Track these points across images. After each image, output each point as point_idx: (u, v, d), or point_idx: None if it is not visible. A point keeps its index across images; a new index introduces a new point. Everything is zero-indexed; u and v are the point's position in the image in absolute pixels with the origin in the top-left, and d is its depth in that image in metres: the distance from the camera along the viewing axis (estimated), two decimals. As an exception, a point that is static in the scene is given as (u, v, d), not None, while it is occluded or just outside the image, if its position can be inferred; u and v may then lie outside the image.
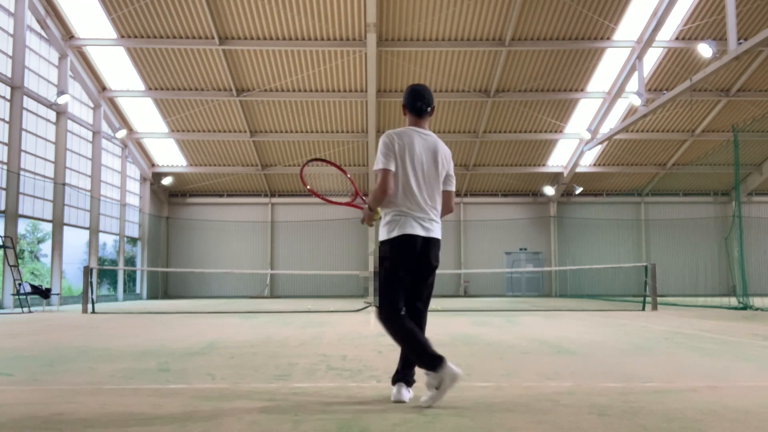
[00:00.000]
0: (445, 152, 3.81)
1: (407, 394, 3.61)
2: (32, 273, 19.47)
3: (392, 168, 3.62)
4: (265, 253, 28.49)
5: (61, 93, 19.77)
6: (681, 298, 24.02)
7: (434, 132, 23.84)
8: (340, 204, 3.98)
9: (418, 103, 3.82)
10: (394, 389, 3.63)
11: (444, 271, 27.27)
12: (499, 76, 21.88)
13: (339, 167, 4.27)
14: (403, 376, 3.65)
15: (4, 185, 17.13)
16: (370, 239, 28.01)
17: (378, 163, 3.66)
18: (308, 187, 4.41)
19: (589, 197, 28.96)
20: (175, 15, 19.14)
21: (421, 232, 3.61)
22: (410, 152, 3.67)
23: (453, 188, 3.87)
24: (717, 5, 19.09)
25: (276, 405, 3.57)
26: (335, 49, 20.43)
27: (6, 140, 17.40)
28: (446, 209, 3.86)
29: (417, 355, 3.44)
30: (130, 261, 26.25)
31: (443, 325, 9.98)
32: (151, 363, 5.45)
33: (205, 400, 3.73)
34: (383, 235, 3.66)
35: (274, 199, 28.85)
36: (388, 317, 3.54)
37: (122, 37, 20.02)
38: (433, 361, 3.35)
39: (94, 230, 22.48)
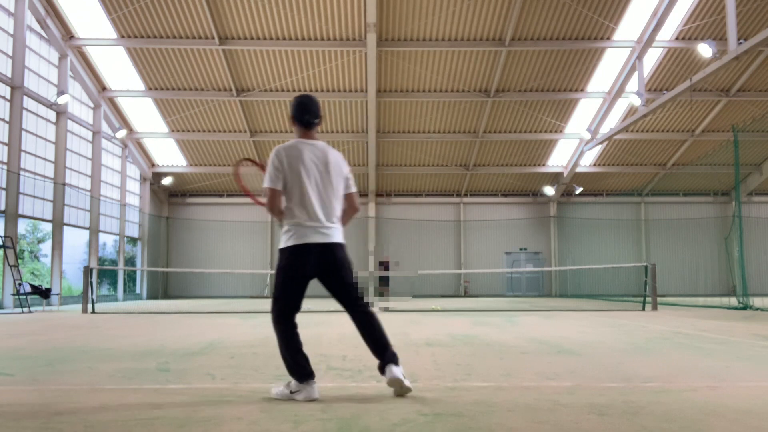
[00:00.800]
0: (336, 158, 3.97)
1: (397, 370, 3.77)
2: (32, 273, 19.47)
3: (278, 187, 3.81)
4: (265, 253, 28.48)
5: (61, 93, 19.77)
6: (681, 298, 24.02)
7: (434, 132, 23.77)
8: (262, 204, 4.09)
9: (305, 116, 3.95)
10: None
11: (444, 271, 27.40)
12: (499, 76, 21.89)
13: (262, 167, 4.28)
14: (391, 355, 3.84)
15: (4, 185, 17.13)
16: (370, 239, 28.02)
17: (265, 181, 3.86)
18: (242, 184, 4.53)
19: (589, 197, 28.96)
20: (175, 15, 19.14)
21: (318, 239, 3.81)
22: (303, 165, 3.83)
23: (353, 189, 4.07)
24: (717, 5, 19.09)
25: (276, 405, 3.57)
26: (335, 49, 20.43)
27: (6, 140, 17.40)
28: (351, 210, 4.06)
29: (288, 363, 3.78)
30: (130, 261, 26.25)
31: (443, 325, 9.98)
32: (151, 363, 5.45)
33: (205, 400, 3.73)
34: (281, 244, 3.89)
35: (274, 199, 28.82)
36: (275, 319, 3.82)
37: (122, 37, 20.02)
38: (302, 373, 3.72)
39: (94, 230, 22.48)
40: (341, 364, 5.29)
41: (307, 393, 3.70)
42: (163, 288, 28.13)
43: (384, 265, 24.69)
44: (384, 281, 23.43)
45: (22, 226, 18.30)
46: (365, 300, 3.94)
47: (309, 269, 3.79)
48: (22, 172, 17.85)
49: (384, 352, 3.82)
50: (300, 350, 3.79)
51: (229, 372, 4.88)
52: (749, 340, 7.24)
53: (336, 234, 3.88)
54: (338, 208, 3.94)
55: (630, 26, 20.10)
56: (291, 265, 3.79)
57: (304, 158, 3.83)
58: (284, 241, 3.83)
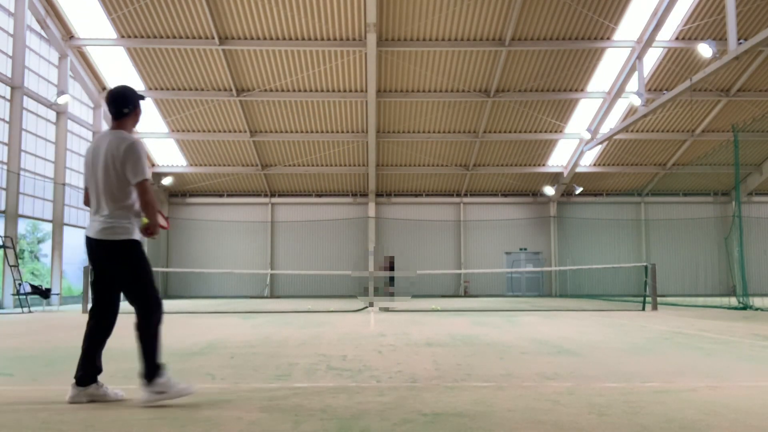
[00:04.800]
0: (110, 148, 3.76)
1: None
2: (32, 273, 19.45)
3: (85, 185, 3.92)
4: (265, 253, 28.48)
5: (61, 93, 19.77)
6: (681, 298, 24.02)
7: (434, 132, 23.70)
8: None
9: (111, 107, 3.92)
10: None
11: (444, 271, 27.39)
12: (499, 76, 21.88)
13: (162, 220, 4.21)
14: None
15: (4, 185, 17.13)
16: (369, 239, 28.03)
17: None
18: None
19: (589, 197, 28.96)
20: (175, 15, 19.14)
21: (87, 232, 3.84)
22: (87, 159, 3.89)
23: (137, 179, 3.73)
24: (717, 5, 19.09)
25: (276, 405, 3.57)
26: (335, 49, 20.42)
27: (6, 140, 17.40)
28: (140, 201, 3.80)
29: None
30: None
31: (443, 325, 9.98)
32: (151, 363, 5.44)
33: (205, 400, 3.73)
34: None
35: (274, 199, 28.85)
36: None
37: (122, 37, 20.02)
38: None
39: (94, 230, 22.45)
40: (341, 364, 5.29)
41: (89, 394, 3.74)
42: (163, 288, 28.12)
43: (388, 264, 24.74)
44: (389, 280, 23.50)
45: (22, 226, 18.30)
46: (143, 308, 3.78)
47: (91, 261, 3.84)
48: (22, 172, 17.85)
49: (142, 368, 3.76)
50: (84, 349, 3.77)
51: (229, 372, 4.88)
52: (749, 340, 7.24)
53: (97, 228, 3.75)
54: (110, 199, 3.74)
55: (630, 26, 20.10)
56: (87, 255, 3.90)
57: (89, 153, 3.88)
58: None
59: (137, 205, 3.80)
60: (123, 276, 3.77)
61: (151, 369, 3.70)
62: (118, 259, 3.74)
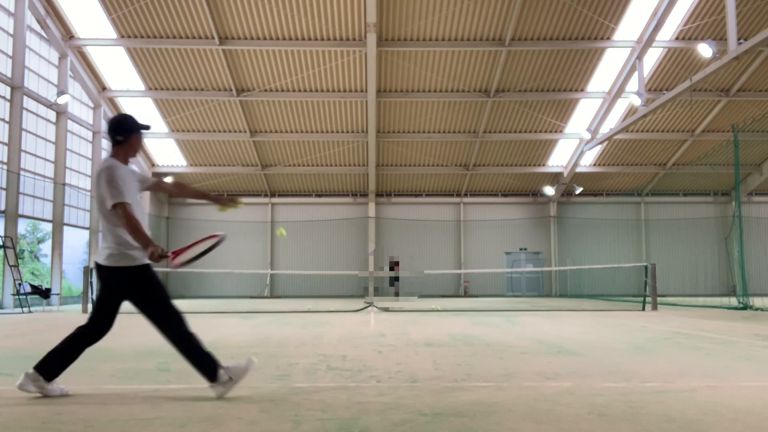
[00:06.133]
0: (97, 176, 3.88)
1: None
2: (32, 273, 19.45)
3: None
4: (265, 253, 28.49)
5: (61, 93, 19.77)
6: (681, 298, 24.02)
7: (434, 132, 23.74)
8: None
9: (107, 133, 4.03)
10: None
11: (444, 271, 27.39)
12: (499, 76, 21.88)
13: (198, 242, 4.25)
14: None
15: (4, 185, 17.13)
16: (369, 239, 28.03)
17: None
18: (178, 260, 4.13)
19: (589, 197, 28.95)
20: (175, 15, 19.14)
21: (96, 258, 3.98)
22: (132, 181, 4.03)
23: (110, 203, 3.78)
24: (717, 5, 19.09)
25: (276, 405, 3.57)
26: (335, 49, 20.42)
27: (6, 140, 17.40)
28: (122, 225, 3.80)
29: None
30: (130, 261, 26.24)
31: (443, 325, 9.98)
32: (151, 363, 5.45)
33: (205, 400, 3.73)
34: None
35: (274, 199, 28.86)
36: None
37: (122, 37, 20.01)
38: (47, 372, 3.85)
39: (94, 230, 22.49)
40: (341, 364, 5.29)
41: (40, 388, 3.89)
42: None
43: (394, 265, 24.78)
44: (394, 281, 23.52)
45: (22, 226, 18.30)
46: (169, 326, 3.89)
47: (102, 284, 3.98)
48: (22, 172, 17.85)
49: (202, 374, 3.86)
50: (67, 350, 4.01)
51: (229, 372, 4.87)
52: (749, 340, 7.24)
53: (101, 255, 3.90)
54: (108, 227, 3.86)
55: (630, 26, 20.09)
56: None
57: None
58: None
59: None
60: (138, 301, 3.89)
61: (208, 370, 3.82)
62: (130, 283, 3.87)
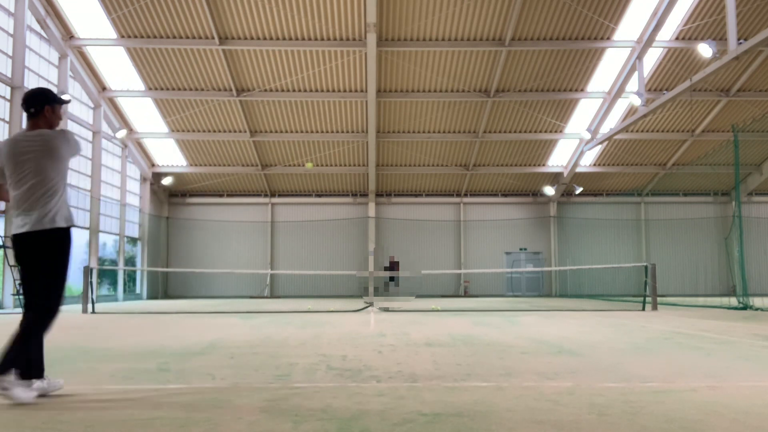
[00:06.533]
0: (24, 144, 3.84)
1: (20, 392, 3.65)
2: (32, 273, 19.40)
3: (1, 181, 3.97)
4: (265, 253, 28.48)
5: (61, 93, 19.78)
6: (681, 298, 24.02)
7: (434, 132, 23.64)
8: None
9: (24, 107, 3.98)
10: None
11: (444, 271, 27.40)
12: (499, 76, 21.88)
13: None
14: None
15: (4, 185, 17.11)
16: (370, 239, 28.02)
17: None
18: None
19: (589, 197, 28.96)
20: (175, 15, 19.14)
21: (17, 230, 3.88)
22: (6, 158, 3.89)
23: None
24: (717, 5, 19.09)
25: (276, 405, 3.57)
26: (335, 49, 20.43)
27: (6, 140, 17.39)
28: None
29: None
30: (130, 261, 26.25)
31: (443, 325, 9.98)
32: (151, 363, 5.45)
33: (205, 400, 3.73)
34: None
35: (274, 199, 28.86)
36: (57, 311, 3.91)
37: (122, 37, 20.02)
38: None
39: (94, 230, 22.48)
40: (341, 364, 5.29)
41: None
42: (163, 288, 28.13)
43: (392, 265, 24.75)
44: (393, 281, 23.50)
45: (22, 226, 18.28)
46: (39, 306, 3.81)
47: (21, 258, 3.96)
48: (22, 172, 17.83)
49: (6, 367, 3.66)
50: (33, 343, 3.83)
51: (229, 372, 4.88)
52: (749, 340, 7.24)
53: (29, 223, 3.83)
54: (33, 195, 3.80)
55: (630, 26, 20.10)
56: (15, 253, 3.96)
57: (7, 150, 3.89)
58: None
59: None
60: (31, 269, 4.03)
61: (34, 369, 3.81)
62: (32, 251, 3.98)
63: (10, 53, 17.58)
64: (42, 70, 19.50)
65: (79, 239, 22.13)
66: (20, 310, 15.44)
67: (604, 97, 23.06)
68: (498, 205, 29.31)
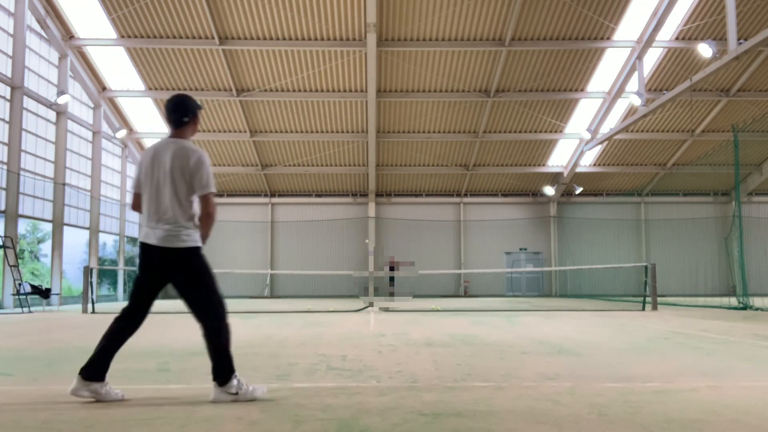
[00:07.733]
0: (177, 156, 3.84)
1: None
2: (32, 273, 19.45)
3: (137, 190, 3.95)
4: (265, 253, 28.48)
5: (61, 93, 19.77)
6: (681, 298, 24.02)
7: (434, 132, 23.60)
8: None
9: (171, 116, 3.96)
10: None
11: (444, 271, 27.39)
12: (499, 76, 21.88)
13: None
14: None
15: (4, 185, 17.12)
16: (370, 239, 28.01)
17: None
18: None
19: (589, 197, 28.96)
20: (175, 15, 19.14)
21: (146, 239, 3.82)
22: (146, 166, 3.88)
23: (203, 191, 3.88)
24: (717, 5, 19.09)
25: (276, 405, 3.57)
26: (335, 49, 20.42)
27: (6, 140, 17.39)
28: (202, 213, 3.90)
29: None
30: (130, 261, 26.25)
31: (443, 325, 9.98)
32: (151, 363, 5.45)
33: (205, 400, 3.73)
34: None
35: (274, 199, 28.86)
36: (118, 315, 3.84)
37: (122, 37, 20.01)
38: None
39: (94, 230, 22.48)
40: (341, 364, 5.29)
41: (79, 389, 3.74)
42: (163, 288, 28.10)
43: (392, 266, 24.73)
44: (391, 281, 23.48)
45: (22, 226, 18.29)
46: (211, 315, 3.79)
47: (144, 268, 3.83)
48: (22, 172, 17.84)
49: (214, 371, 3.76)
50: (103, 346, 3.81)
51: (229, 372, 4.87)
52: (749, 340, 7.24)
53: (157, 235, 3.76)
54: (172, 208, 3.79)
55: (630, 26, 20.09)
56: (139, 260, 3.89)
57: (148, 160, 3.87)
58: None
59: (198, 216, 3.88)
60: (189, 282, 3.82)
61: (225, 371, 3.73)
62: (185, 265, 3.80)
63: (10, 53, 17.57)
64: (42, 70, 19.50)
65: (78, 239, 22.14)
66: (19, 310, 15.44)
67: (604, 97, 23.06)
68: (498, 205, 29.31)
